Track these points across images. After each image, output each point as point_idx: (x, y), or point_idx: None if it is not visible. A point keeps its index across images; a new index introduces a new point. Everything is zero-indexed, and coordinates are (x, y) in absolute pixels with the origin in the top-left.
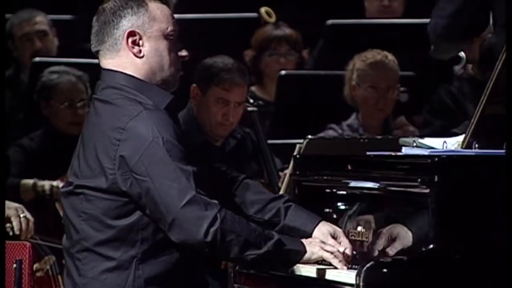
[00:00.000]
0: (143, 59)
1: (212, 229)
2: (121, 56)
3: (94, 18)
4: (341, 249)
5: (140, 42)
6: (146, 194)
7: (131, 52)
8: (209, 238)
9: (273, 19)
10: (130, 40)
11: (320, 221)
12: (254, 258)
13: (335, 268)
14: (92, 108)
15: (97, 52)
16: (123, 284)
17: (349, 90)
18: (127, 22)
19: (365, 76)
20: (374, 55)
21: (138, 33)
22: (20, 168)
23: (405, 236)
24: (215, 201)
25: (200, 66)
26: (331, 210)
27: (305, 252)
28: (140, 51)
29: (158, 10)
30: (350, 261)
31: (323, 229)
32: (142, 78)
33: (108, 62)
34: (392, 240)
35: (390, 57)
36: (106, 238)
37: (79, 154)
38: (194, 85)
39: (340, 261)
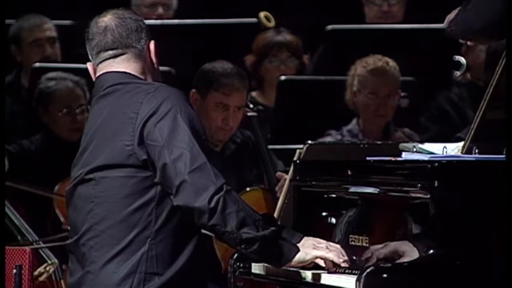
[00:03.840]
0: (157, 69)
1: (216, 196)
2: (145, 64)
3: (104, 26)
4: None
5: (157, 53)
6: (158, 160)
7: (151, 59)
8: (212, 205)
9: (272, 23)
10: (155, 51)
11: (302, 237)
12: (248, 238)
13: (333, 269)
14: (95, 107)
15: (120, 55)
16: (136, 265)
17: (350, 95)
18: (146, 34)
19: (366, 82)
20: (375, 61)
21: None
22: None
23: (411, 254)
24: (222, 176)
25: (199, 72)
26: (330, 215)
27: (298, 250)
28: (157, 61)
29: None
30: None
31: (308, 243)
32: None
33: (129, 65)
34: (398, 255)
35: (391, 63)
36: (121, 218)
37: (83, 149)
38: (194, 90)
39: (335, 255)
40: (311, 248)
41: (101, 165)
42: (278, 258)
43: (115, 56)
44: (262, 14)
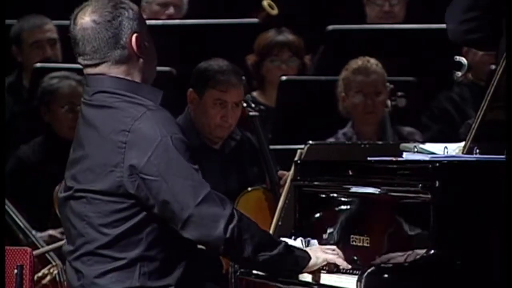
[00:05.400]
0: (145, 60)
1: (230, 226)
2: (129, 63)
3: (83, 31)
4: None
5: (142, 44)
6: (156, 194)
7: (137, 55)
8: (228, 235)
9: (275, 11)
10: (136, 45)
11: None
12: (266, 259)
13: (336, 272)
14: (84, 113)
15: (99, 64)
16: (129, 282)
17: (341, 102)
18: (127, 29)
19: (350, 83)
20: (356, 61)
21: (139, 36)
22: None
23: None
24: (227, 199)
25: (195, 71)
26: (331, 216)
27: (310, 258)
28: (142, 53)
29: (135, 7)
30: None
31: (313, 247)
32: (138, 80)
33: (112, 71)
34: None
35: (373, 61)
36: (111, 239)
37: (77, 158)
38: (191, 89)
39: (344, 260)
40: (320, 252)
41: (92, 190)
42: (294, 270)
43: (95, 65)
44: (265, 2)
